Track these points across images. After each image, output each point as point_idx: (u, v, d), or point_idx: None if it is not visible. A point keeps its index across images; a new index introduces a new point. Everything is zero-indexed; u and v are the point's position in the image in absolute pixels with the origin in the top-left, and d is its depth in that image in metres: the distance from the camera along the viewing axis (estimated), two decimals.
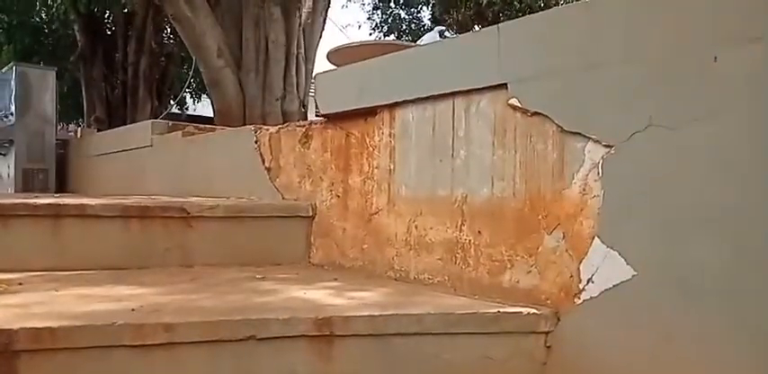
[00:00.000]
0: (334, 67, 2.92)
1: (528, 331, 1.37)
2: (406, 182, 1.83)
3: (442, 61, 1.72)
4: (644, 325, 1.22)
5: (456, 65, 1.67)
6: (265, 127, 2.63)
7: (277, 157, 2.46)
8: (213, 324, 1.24)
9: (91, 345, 1.17)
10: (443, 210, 1.70)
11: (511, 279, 1.50)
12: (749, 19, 1.12)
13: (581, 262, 1.34)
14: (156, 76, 8.40)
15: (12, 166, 4.97)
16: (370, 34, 13.97)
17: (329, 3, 6.08)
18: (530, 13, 1.54)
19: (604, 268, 1.29)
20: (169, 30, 8.64)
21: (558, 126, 1.41)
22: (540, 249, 1.44)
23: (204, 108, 9.94)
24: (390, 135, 1.90)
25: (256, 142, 2.57)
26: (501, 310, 1.38)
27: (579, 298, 1.33)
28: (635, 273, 1.24)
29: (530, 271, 1.46)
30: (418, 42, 4.44)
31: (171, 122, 3.86)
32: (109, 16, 8.84)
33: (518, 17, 1.63)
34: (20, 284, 1.63)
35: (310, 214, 2.22)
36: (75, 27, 8.25)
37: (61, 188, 5.17)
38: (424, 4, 13.32)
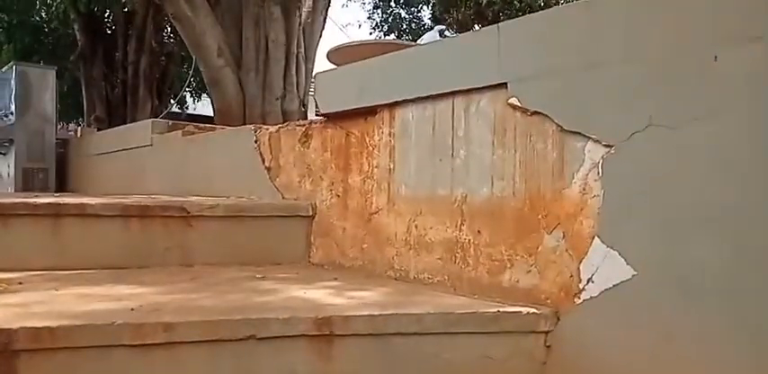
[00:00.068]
0: (334, 67, 2.92)
1: (528, 330, 1.37)
2: (406, 181, 1.83)
3: (442, 60, 1.72)
4: (644, 324, 1.22)
5: (456, 64, 1.67)
6: (265, 126, 2.63)
7: (277, 157, 2.46)
8: (213, 323, 1.24)
9: (90, 345, 1.17)
10: (443, 210, 1.70)
11: (511, 278, 1.50)
12: (749, 18, 1.12)
13: (581, 261, 1.34)
14: (156, 76, 8.40)
15: (12, 166, 4.97)
16: (371, 33, 13.98)
17: (329, 2, 6.08)
18: (530, 13, 1.54)
19: (604, 268, 1.29)
20: (169, 29, 8.64)
21: (558, 125, 1.41)
22: (539, 249, 1.44)
23: (204, 107, 9.94)
24: (390, 134, 1.89)
25: (256, 141, 2.57)
26: (501, 310, 1.37)
27: (579, 298, 1.33)
28: (635, 273, 1.24)
29: (529, 271, 1.46)
30: (418, 42, 4.44)
31: (171, 122, 3.86)
32: (109, 15, 8.84)
33: (518, 16, 1.63)
34: (20, 283, 1.63)
35: (310, 213, 2.22)
36: (76, 26, 8.25)
37: (61, 187, 5.17)
38: (425, 4, 13.32)
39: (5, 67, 5.26)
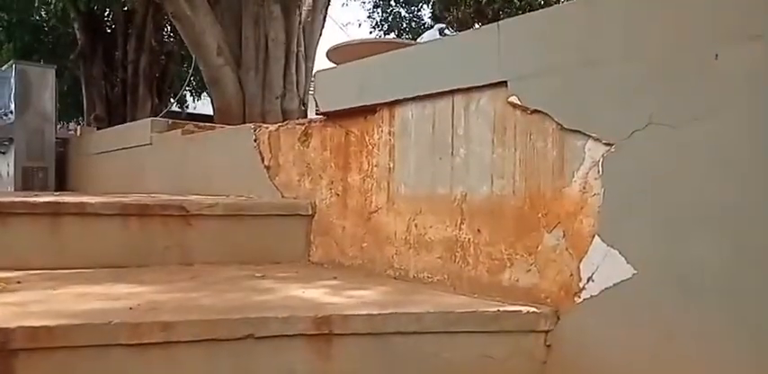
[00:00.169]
0: (333, 66, 2.91)
1: (528, 330, 1.36)
2: (406, 180, 1.83)
3: (441, 59, 1.71)
4: (644, 323, 1.21)
5: (456, 62, 1.66)
6: (265, 125, 2.62)
7: (276, 156, 2.46)
8: (211, 322, 1.24)
9: (88, 344, 1.17)
10: (443, 209, 1.69)
11: (510, 277, 1.50)
12: (749, 16, 1.11)
13: (581, 260, 1.33)
14: (156, 75, 8.40)
15: (11, 165, 4.97)
16: (371, 32, 13.96)
17: (329, 1, 6.07)
18: (530, 11, 1.53)
19: (604, 267, 1.28)
20: (169, 28, 8.64)
21: (558, 124, 1.40)
22: (539, 247, 1.43)
23: (204, 106, 9.94)
24: (390, 133, 1.89)
25: (256, 140, 2.56)
26: (501, 309, 1.37)
27: (579, 297, 1.33)
28: (635, 272, 1.23)
29: (529, 270, 1.45)
30: (418, 40, 4.43)
31: (170, 120, 3.86)
32: (109, 14, 8.83)
33: (518, 15, 1.62)
34: (18, 282, 1.62)
35: (310, 212, 2.21)
36: (75, 25, 8.24)
37: (61, 186, 5.16)
38: (425, 3, 13.30)
39: (5, 66, 5.25)
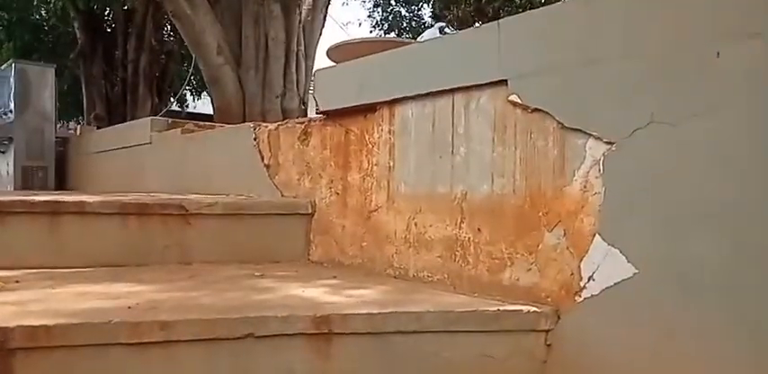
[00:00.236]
0: (334, 64, 2.91)
1: (528, 329, 1.36)
2: (406, 179, 1.82)
3: (442, 57, 1.70)
4: (645, 322, 1.21)
5: (456, 61, 1.66)
6: (264, 124, 2.62)
7: (276, 154, 2.45)
8: (210, 321, 1.23)
9: (87, 343, 1.16)
10: (443, 208, 1.69)
11: (511, 276, 1.49)
12: (748, 14, 1.10)
13: (582, 259, 1.33)
14: (156, 74, 8.39)
15: (11, 164, 4.96)
16: (371, 32, 13.97)
17: (329, 0, 6.06)
18: (530, 10, 1.53)
19: (605, 266, 1.28)
20: (169, 27, 8.63)
21: (559, 122, 1.39)
22: (540, 246, 1.43)
23: (204, 106, 9.94)
24: (390, 132, 1.88)
25: (255, 139, 2.56)
26: (501, 308, 1.36)
27: (580, 296, 1.32)
28: (636, 271, 1.22)
29: (530, 269, 1.45)
30: (418, 39, 4.43)
31: (170, 120, 3.86)
32: (109, 13, 8.83)
33: (518, 13, 1.62)
34: (17, 282, 1.62)
35: (309, 211, 2.21)
36: (75, 24, 8.24)
37: (61, 186, 5.16)
38: (425, 2, 13.30)
39: (4, 65, 5.25)
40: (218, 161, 2.93)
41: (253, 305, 1.38)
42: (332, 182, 2.14)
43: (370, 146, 1.97)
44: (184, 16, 5.15)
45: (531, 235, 1.45)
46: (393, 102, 1.86)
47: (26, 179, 4.89)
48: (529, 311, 1.36)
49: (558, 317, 1.36)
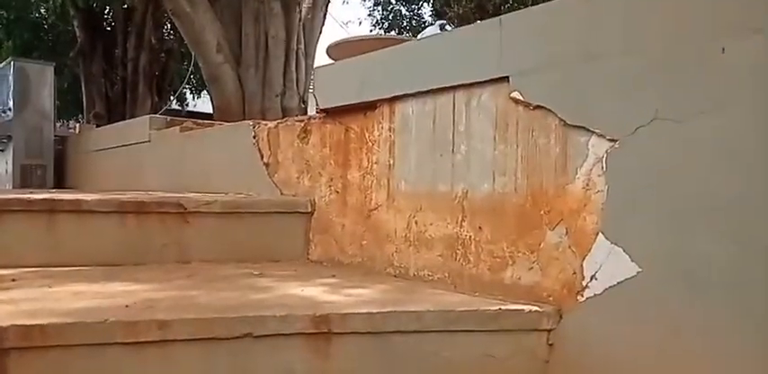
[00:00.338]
0: (333, 62, 2.89)
1: (530, 328, 1.34)
2: (406, 177, 1.81)
3: (442, 54, 1.69)
4: (650, 321, 1.19)
5: (457, 58, 1.64)
6: (264, 122, 2.60)
7: (275, 153, 2.44)
8: (208, 321, 1.21)
9: (82, 343, 1.15)
10: (444, 206, 1.67)
11: (512, 275, 1.47)
12: (749, 10, 1.09)
13: (584, 258, 1.31)
14: (155, 72, 8.38)
15: (10, 162, 4.95)
16: (371, 31, 13.95)
17: None
18: (532, 5, 1.51)
19: (608, 265, 1.26)
20: (169, 25, 8.62)
21: (561, 120, 1.38)
22: (542, 245, 1.41)
23: (204, 104, 9.92)
24: (390, 129, 1.87)
25: (254, 137, 2.54)
26: (502, 308, 1.35)
27: (582, 296, 1.30)
28: (640, 270, 1.21)
29: (531, 268, 1.43)
30: (419, 37, 4.41)
31: (169, 118, 3.83)
32: (108, 12, 8.81)
33: (520, 9, 1.60)
34: (13, 280, 1.60)
35: (309, 210, 2.19)
36: (75, 23, 8.22)
37: (59, 184, 5.15)
38: (425, 1, 13.28)
39: (3, 63, 5.23)
40: (216, 159, 2.91)
41: (251, 304, 1.37)
42: (331, 180, 2.12)
43: (371, 144, 1.95)
44: (184, 14, 5.13)
45: (532, 234, 1.43)
46: (393, 100, 1.84)
47: (25, 177, 4.87)
48: (531, 310, 1.34)
49: (561, 317, 1.34)
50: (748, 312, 1.07)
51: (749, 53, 1.08)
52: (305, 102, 5.54)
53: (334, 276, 1.78)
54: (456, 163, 1.64)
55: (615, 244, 1.25)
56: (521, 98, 1.47)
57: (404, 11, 13.86)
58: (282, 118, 2.77)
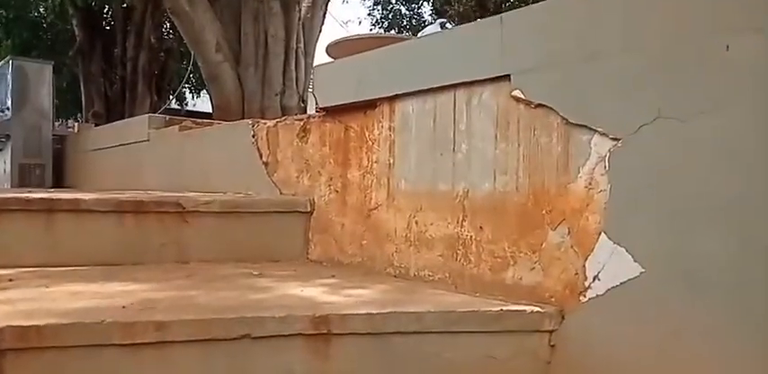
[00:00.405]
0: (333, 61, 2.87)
1: (532, 329, 1.32)
2: (406, 176, 1.79)
3: (443, 52, 1.67)
4: (652, 322, 1.18)
5: (458, 56, 1.63)
6: (263, 121, 2.58)
7: (275, 152, 2.42)
8: (206, 322, 1.20)
9: (79, 344, 1.13)
10: (444, 205, 1.66)
11: (514, 276, 1.46)
12: (750, 9, 1.08)
13: (587, 258, 1.30)
14: (155, 72, 8.37)
15: (8, 162, 4.94)
16: (371, 30, 13.96)
17: None
18: (534, 3, 1.50)
19: (611, 265, 1.25)
20: (168, 25, 8.61)
21: (563, 118, 1.36)
22: (543, 245, 1.40)
23: (204, 103, 9.92)
24: (390, 128, 1.85)
25: (254, 136, 2.53)
26: (504, 308, 1.33)
27: (585, 296, 1.29)
28: (643, 270, 1.19)
29: (533, 268, 1.42)
30: (419, 35, 4.39)
31: (168, 117, 3.82)
32: (108, 11, 8.80)
33: (521, 7, 1.58)
34: (10, 280, 1.59)
35: (308, 209, 2.18)
36: (74, 22, 8.21)
37: (58, 183, 5.13)
38: (425, 0, 13.27)
39: (2, 62, 5.22)
40: (215, 158, 2.90)
41: (250, 305, 1.35)
42: (331, 179, 2.11)
43: (370, 142, 1.94)
44: (183, 13, 5.12)
45: (534, 234, 1.42)
46: (393, 98, 1.83)
47: (23, 177, 4.86)
48: (532, 311, 1.33)
49: (563, 318, 1.33)
50: (748, 312, 1.06)
51: (750, 51, 1.07)
52: (304, 101, 5.52)
53: (333, 276, 1.76)
54: (457, 162, 1.63)
55: (618, 244, 1.24)
56: (522, 96, 1.45)
57: (404, 10, 13.86)
58: (282, 117, 2.75)
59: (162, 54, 8.81)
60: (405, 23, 13.64)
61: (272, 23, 5.30)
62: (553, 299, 1.36)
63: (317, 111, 2.20)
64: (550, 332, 1.33)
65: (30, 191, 2.41)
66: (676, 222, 1.16)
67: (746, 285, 1.06)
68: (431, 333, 1.29)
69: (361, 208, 1.96)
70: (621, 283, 1.22)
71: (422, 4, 13.59)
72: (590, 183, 1.31)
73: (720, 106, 1.10)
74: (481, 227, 1.55)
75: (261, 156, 2.48)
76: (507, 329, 1.32)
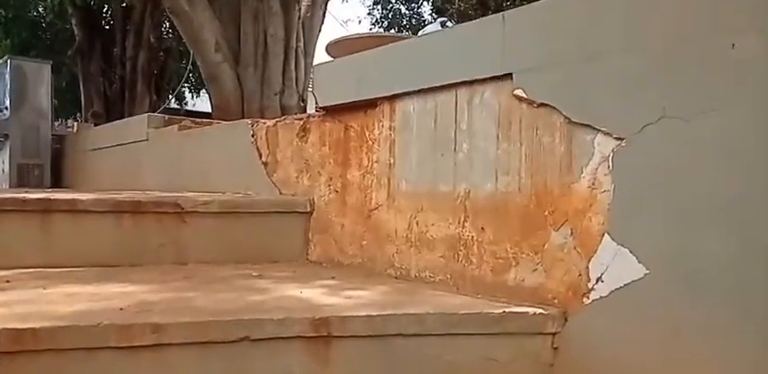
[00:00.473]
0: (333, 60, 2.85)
1: (534, 332, 1.31)
2: (407, 176, 1.77)
3: (444, 51, 1.66)
4: (657, 324, 1.16)
5: (459, 54, 1.61)
6: (262, 120, 2.57)
7: (274, 151, 2.40)
8: (204, 324, 1.18)
9: (75, 347, 1.12)
10: (445, 206, 1.64)
11: (516, 277, 1.44)
12: (755, 8, 1.06)
13: (590, 260, 1.28)
14: (154, 71, 8.35)
15: (6, 161, 4.91)
16: (371, 29, 13.94)
17: None
18: (535, 1, 1.48)
19: (615, 266, 1.23)
20: (168, 24, 8.59)
21: (566, 117, 1.34)
22: (546, 246, 1.38)
23: (203, 103, 9.90)
24: (390, 128, 1.83)
25: (253, 136, 2.51)
26: (506, 310, 1.32)
27: (588, 298, 1.27)
28: (647, 272, 1.18)
29: (535, 270, 1.40)
30: (419, 34, 4.37)
31: (167, 116, 3.80)
32: (107, 10, 8.78)
33: (523, 5, 1.57)
34: (7, 282, 1.57)
35: (308, 210, 2.16)
36: (73, 21, 8.19)
37: (57, 183, 5.11)
38: None
39: (0, 61, 5.19)
40: (215, 158, 2.88)
41: (249, 307, 1.33)
42: (331, 179, 2.09)
43: (371, 142, 1.92)
44: (182, 13, 5.09)
45: (536, 235, 1.40)
46: (394, 98, 1.81)
47: (22, 177, 4.84)
48: (535, 313, 1.31)
49: (566, 320, 1.31)
50: (749, 313, 1.05)
51: (756, 51, 1.05)
52: (304, 101, 5.50)
53: (333, 277, 1.75)
54: (458, 162, 1.61)
55: (622, 245, 1.22)
56: (524, 95, 1.43)
57: (403, 9, 13.85)
58: (281, 116, 2.74)
59: (161, 53, 8.78)
60: (404, 23, 13.63)
61: (272, 23, 5.27)
62: (556, 301, 1.34)
63: (316, 111, 2.18)
64: (553, 334, 1.31)
65: (27, 192, 2.40)
66: (682, 223, 1.14)
67: (747, 285, 1.05)
68: (432, 335, 1.28)
69: (362, 208, 1.94)
70: (626, 285, 1.21)
71: (421, 4, 13.58)
72: (593, 184, 1.29)
73: (726, 105, 1.09)
74: (483, 228, 1.53)
75: (260, 156, 2.46)
76: (509, 331, 1.30)
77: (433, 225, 1.68)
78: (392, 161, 1.82)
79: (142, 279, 1.67)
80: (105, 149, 4.37)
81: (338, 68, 2.15)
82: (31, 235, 1.88)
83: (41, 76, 4.99)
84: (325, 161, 2.12)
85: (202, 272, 1.80)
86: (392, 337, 1.26)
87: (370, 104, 1.91)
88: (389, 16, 13.75)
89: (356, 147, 1.98)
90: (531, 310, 1.32)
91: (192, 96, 11.35)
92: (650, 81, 1.20)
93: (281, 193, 2.34)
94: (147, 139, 3.67)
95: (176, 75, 9.14)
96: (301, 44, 5.55)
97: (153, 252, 1.96)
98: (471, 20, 1.70)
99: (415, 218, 1.73)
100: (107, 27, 8.70)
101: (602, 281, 1.25)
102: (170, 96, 9.31)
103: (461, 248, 1.58)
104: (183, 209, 1.99)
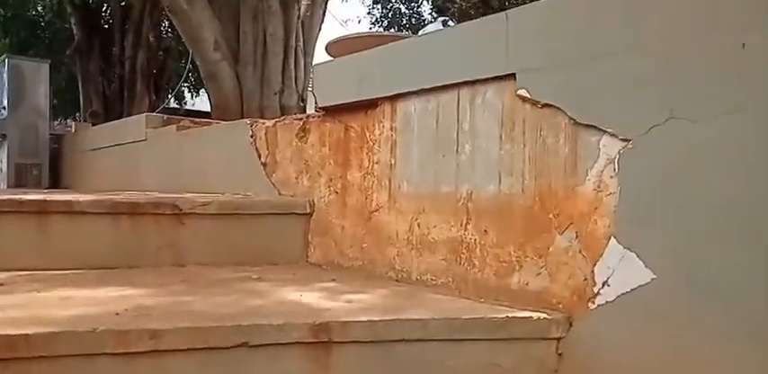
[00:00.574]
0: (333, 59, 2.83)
1: (538, 337, 1.28)
2: (408, 177, 1.75)
3: (446, 50, 1.63)
4: (664, 330, 1.14)
5: (461, 54, 1.58)
6: (261, 120, 2.54)
7: (273, 152, 2.38)
8: (203, 330, 1.16)
9: (70, 353, 1.09)
10: (447, 208, 1.61)
11: (519, 281, 1.42)
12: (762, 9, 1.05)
13: (595, 264, 1.25)
14: (153, 70, 8.33)
15: (4, 161, 4.89)
16: (370, 29, 13.90)
17: None
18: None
19: (621, 270, 1.21)
20: (167, 23, 8.57)
21: (571, 118, 1.32)
22: (550, 249, 1.35)
23: (203, 103, 9.87)
24: (391, 128, 1.81)
25: (252, 136, 2.49)
26: (510, 315, 1.29)
27: (594, 303, 1.25)
28: (654, 277, 1.15)
29: (539, 273, 1.37)
30: (420, 33, 4.35)
31: (166, 116, 3.77)
32: (106, 9, 8.75)
33: (527, 4, 1.54)
34: (1, 285, 1.55)
35: (308, 211, 2.13)
36: (72, 20, 8.17)
37: (55, 183, 5.09)
38: None
39: None
40: (214, 158, 2.85)
41: (248, 311, 1.31)
42: (331, 180, 2.07)
43: (371, 143, 1.89)
44: (181, 12, 5.06)
45: (540, 238, 1.38)
46: (395, 98, 1.79)
47: (20, 177, 4.81)
48: (539, 318, 1.29)
49: (570, 325, 1.28)
50: (758, 320, 1.03)
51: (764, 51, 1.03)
52: (304, 101, 5.47)
53: (333, 280, 1.72)
54: (460, 163, 1.59)
55: (628, 248, 1.20)
56: (528, 96, 1.41)
57: (403, 9, 13.83)
58: (281, 116, 2.71)
59: (160, 53, 8.76)
60: (404, 22, 13.60)
61: (271, 22, 5.24)
62: (560, 306, 1.32)
63: (316, 111, 2.15)
64: (558, 339, 1.29)
65: (24, 192, 2.37)
66: (690, 226, 1.11)
67: (753, 290, 1.02)
68: (435, 340, 1.25)
69: (362, 210, 1.92)
70: (632, 290, 1.18)
71: (421, 3, 13.55)
72: (599, 186, 1.26)
73: (736, 106, 1.06)
74: (486, 231, 1.51)
75: (259, 157, 2.43)
76: (513, 336, 1.28)
77: (434, 227, 1.65)
78: (393, 162, 1.80)
79: (140, 281, 1.64)
80: (104, 149, 4.34)
81: (338, 68, 2.12)
82: (27, 237, 1.85)
83: (40, 76, 4.96)
84: (325, 162, 2.10)
85: (201, 275, 1.78)
86: (394, 343, 1.24)
87: (370, 104, 1.88)
88: (389, 15, 13.73)
89: (356, 148, 1.96)
90: (535, 315, 1.29)
91: (192, 96, 11.32)
92: (657, 81, 1.17)
93: (280, 194, 2.32)
94: (145, 139, 3.65)
95: (175, 74, 9.10)
96: (301, 43, 5.52)
97: (151, 254, 1.93)
98: (472, 19, 1.68)
99: (417, 219, 1.71)
100: (106, 26, 8.68)
101: (608, 286, 1.23)
102: (169, 96, 9.28)
103: (464, 251, 1.56)
104: (181, 210, 1.97)
